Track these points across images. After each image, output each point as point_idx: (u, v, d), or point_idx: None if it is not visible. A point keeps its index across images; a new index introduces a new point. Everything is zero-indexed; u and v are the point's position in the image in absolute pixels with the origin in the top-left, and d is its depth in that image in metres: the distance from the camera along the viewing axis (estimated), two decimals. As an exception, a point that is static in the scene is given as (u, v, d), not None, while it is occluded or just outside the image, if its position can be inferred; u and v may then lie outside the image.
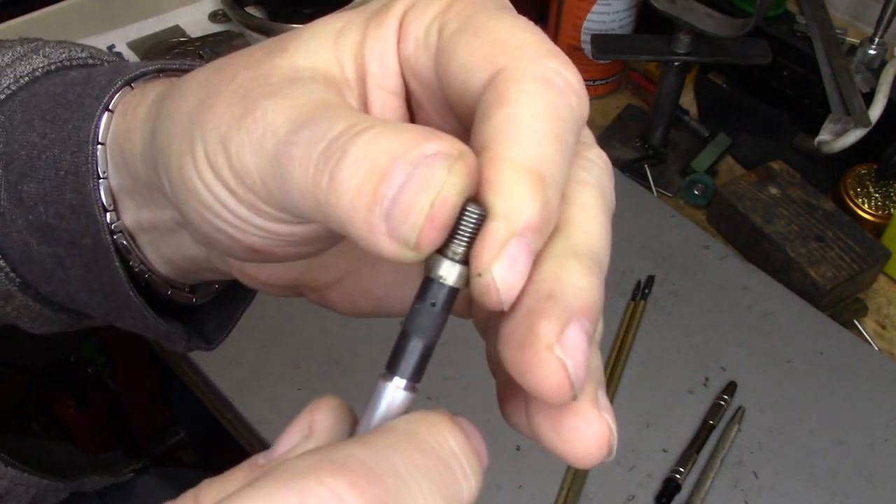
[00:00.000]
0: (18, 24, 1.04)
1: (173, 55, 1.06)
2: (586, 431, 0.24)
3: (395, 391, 0.24)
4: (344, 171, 0.23)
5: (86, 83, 0.37)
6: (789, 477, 0.78)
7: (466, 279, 0.23)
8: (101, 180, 0.35)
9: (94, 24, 1.10)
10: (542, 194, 0.23)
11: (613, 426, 0.25)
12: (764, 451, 0.79)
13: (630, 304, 0.89)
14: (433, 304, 0.24)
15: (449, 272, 0.23)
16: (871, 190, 0.97)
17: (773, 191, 0.95)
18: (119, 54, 1.11)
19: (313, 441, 0.25)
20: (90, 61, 0.40)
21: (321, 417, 0.25)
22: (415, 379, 0.24)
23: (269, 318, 0.86)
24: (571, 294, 0.24)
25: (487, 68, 0.25)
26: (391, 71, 0.28)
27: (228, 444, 0.91)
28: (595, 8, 1.05)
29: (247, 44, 1.09)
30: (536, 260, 0.24)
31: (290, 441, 0.25)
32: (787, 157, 1.01)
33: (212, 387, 0.82)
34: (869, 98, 0.94)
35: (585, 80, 1.20)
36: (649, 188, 1.02)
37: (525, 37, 0.25)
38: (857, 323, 0.90)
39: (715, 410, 0.81)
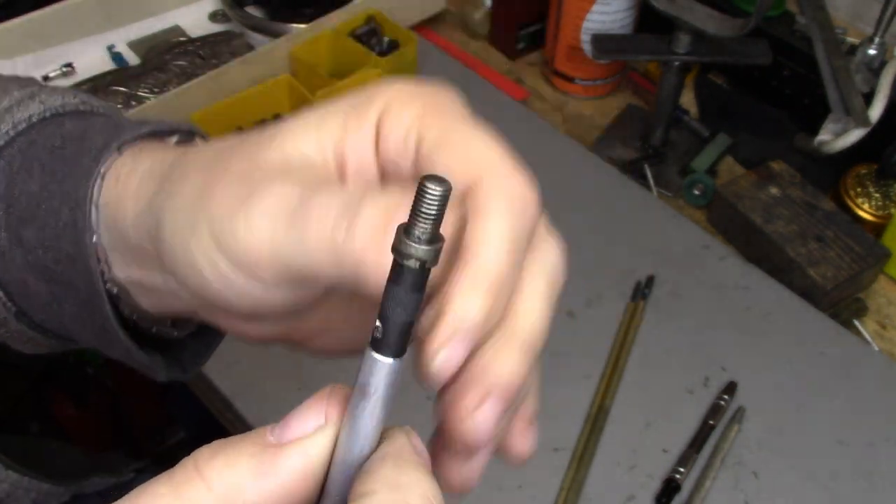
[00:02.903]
0: (18, 24, 1.04)
1: (173, 55, 1.06)
2: (456, 472, 0.31)
3: (381, 367, 0.26)
4: (362, 218, 0.28)
5: (82, 140, 0.40)
6: (789, 477, 0.78)
7: (435, 258, 0.24)
8: (95, 235, 0.38)
9: (94, 24, 1.10)
10: (491, 301, 0.28)
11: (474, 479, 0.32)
12: (764, 451, 0.79)
13: (630, 305, 0.89)
14: (406, 286, 0.25)
15: (417, 253, 0.24)
16: (871, 190, 0.97)
17: (773, 191, 0.95)
18: (119, 55, 1.11)
19: (326, 435, 0.27)
20: (81, 107, 0.43)
21: (336, 410, 0.27)
22: (398, 355, 0.26)
23: (268, 318, 0.86)
24: (498, 376, 0.29)
25: (464, 181, 0.30)
26: (368, 165, 0.33)
27: (228, 444, 0.91)
28: (595, 8, 1.05)
29: (247, 44, 1.10)
30: (482, 341, 0.29)
31: (303, 426, 0.27)
32: (787, 157, 1.01)
33: (212, 387, 0.82)
34: (869, 98, 0.94)
35: (585, 79, 1.19)
36: (649, 188, 1.02)
37: (494, 155, 0.30)
38: (857, 323, 0.90)
39: (715, 410, 0.81)
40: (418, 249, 0.24)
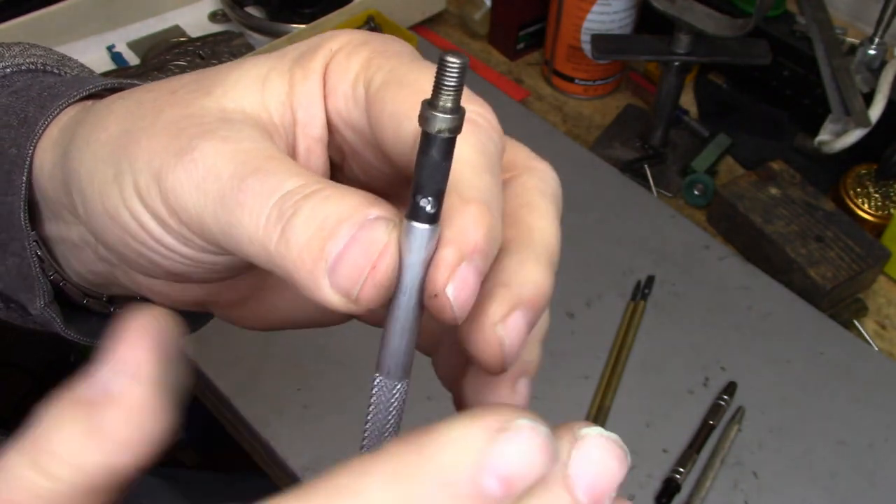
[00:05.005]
0: (18, 24, 1.04)
1: (173, 55, 1.06)
2: (491, 399, 0.30)
3: (419, 231, 0.27)
4: (295, 227, 0.26)
5: (39, 96, 0.38)
6: (789, 477, 0.78)
7: (459, 126, 0.26)
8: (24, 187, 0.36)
9: (94, 24, 1.10)
10: (487, 220, 0.26)
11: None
12: (764, 451, 0.79)
13: (630, 304, 0.89)
14: (437, 156, 0.26)
15: (444, 123, 0.25)
16: (871, 190, 0.97)
17: (773, 191, 0.95)
18: (119, 54, 1.11)
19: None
20: (49, 67, 0.42)
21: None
22: (434, 221, 0.27)
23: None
24: (523, 286, 0.28)
25: (417, 115, 0.28)
26: (317, 121, 0.31)
27: (228, 444, 0.91)
28: (595, 8, 1.05)
29: (247, 44, 1.10)
30: (500, 256, 0.28)
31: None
32: (787, 157, 1.01)
33: (212, 387, 0.82)
34: (869, 98, 0.94)
35: (585, 80, 1.19)
36: (649, 188, 1.02)
37: None
38: (857, 323, 0.90)
39: (715, 410, 0.81)
40: (445, 119, 0.25)
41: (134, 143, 0.29)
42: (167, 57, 1.06)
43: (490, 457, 0.20)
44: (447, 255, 0.26)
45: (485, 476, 0.20)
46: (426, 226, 0.26)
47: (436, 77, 0.25)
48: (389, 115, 0.29)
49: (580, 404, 0.81)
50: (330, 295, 0.26)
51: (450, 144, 0.26)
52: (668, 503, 0.75)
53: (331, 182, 0.28)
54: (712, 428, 0.80)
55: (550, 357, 0.85)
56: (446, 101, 0.25)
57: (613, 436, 0.22)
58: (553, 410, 0.81)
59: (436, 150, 0.26)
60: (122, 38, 1.12)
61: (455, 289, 0.26)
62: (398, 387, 0.28)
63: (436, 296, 0.26)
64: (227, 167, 0.27)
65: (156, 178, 0.28)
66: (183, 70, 1.04)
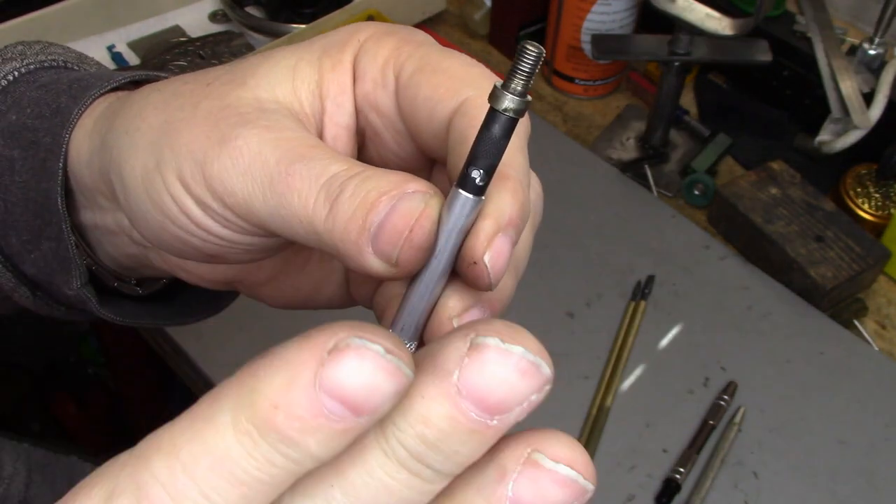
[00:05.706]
0: (18, 25, 1.04)
1: (173, 55, 1.06)
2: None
3: (466, 201, 0.28)
4: (341, 203, 0.28)
5: (69, 88, 0.39)
6: (789, 477, 0.78)
7: (524, 110, 0.27)
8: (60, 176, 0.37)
9: (94, 24, 1.10)
10: (521, 196, 0.29)
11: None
12: (764, 451, 0.79)
13: (630, 304, 0.89)
14: (498, 133, 0.27)
15: (512, 104, 0.27)
16: (871, 190, 0.97)
17: (773, 191, 0.95)
18: (119, 54, 1.11)
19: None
20: (70, 65, 0.43)
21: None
22: (481, 194, 0.28)
23: (268, 318, 0.86)
24: (490, 295, 0.30)
25: (453, 99, 0.30)
26: (344, 109, 0.33)
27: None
28: (595, 8, 1.05)
29: (247, 44, 1.10)
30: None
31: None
32: (787, 157, 1.01)
33: (212, 386, 0.82)
34: (869, 98, 0.94)
35: (585, 80, 1.18)
36: (649, 188, 1.02)
37: (477, 71, 0.31)
38: (857, 323, 0.90)
39: (715, 410, 0.81)
40: (513, 100, 0.27)
41: (175, 133, 0.31)
42: (167, 57, 1.07)
43: (322, 379, 0.19)
44: (487, 226, 0.28)
45: (322, 397, 0.19)
46: (472, 196, 0.28)
47: (513, 61, 0.27)
48: (424, 99, 0.31)
49: (580, 404, 0.81)
50: (373, 262, 0.27)
51: (512, 125, 0.27)
52: (668, 503, 0.75)
53: (370, 166, 0.30)
54: (712, 428, 0.80)
55: (550, 357, 0.85)
56: (517, 84, 0.27)
57: (517, 349, 0.22)
58: (553, 410, 0.81)
59: (499, 126, 0.27)
60: (122, 38, 1.12)
61: (491, 258, 0.28)
62: (408, 346, 0.29)
63: (475, 263, 0.28)
64: (273, 154, 0.29)
65: (200, 165, 0.30)
66: (183, 70, 1.04)
